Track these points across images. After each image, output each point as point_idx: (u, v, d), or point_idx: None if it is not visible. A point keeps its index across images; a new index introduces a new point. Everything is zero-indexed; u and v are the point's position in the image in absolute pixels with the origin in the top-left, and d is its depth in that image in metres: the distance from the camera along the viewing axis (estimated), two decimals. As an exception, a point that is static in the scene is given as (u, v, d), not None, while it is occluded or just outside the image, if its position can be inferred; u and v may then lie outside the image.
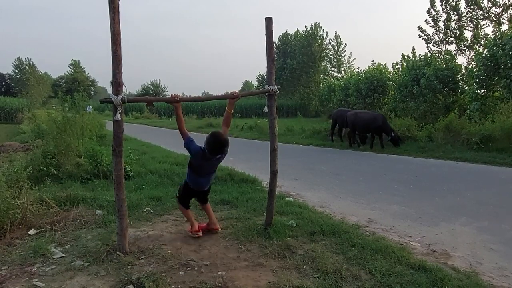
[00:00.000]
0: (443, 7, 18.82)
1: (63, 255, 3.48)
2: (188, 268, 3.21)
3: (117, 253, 3.43)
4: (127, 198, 5.10)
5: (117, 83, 3.19)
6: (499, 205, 5.28)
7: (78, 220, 4.42)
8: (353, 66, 36.88)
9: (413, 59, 16.06)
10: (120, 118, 3.22)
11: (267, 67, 3.84)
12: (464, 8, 18.15)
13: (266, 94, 3.88)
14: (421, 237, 4.13)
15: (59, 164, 6.78)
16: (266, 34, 3.74)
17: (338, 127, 13.79)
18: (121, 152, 3.36)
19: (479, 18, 17.91)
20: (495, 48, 11.44)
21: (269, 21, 3.73)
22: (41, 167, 6.40)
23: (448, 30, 18.87)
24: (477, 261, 3.47)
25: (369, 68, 18.14)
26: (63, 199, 5.03)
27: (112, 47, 3.12)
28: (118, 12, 3.10)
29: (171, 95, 3.65)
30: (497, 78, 11.62)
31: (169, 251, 3.55)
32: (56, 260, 3.38)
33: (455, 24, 18.64)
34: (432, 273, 3.04)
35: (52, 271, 3.17)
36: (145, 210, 4.83)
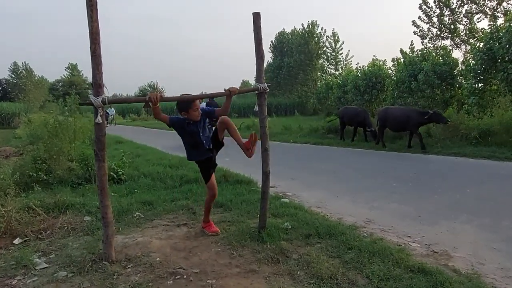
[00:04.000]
0: (436, 2, 18.70)
1: (47, 265, 3.33)
2: (177, 277, 3.06)
3: (103, 262, 3.28)
4: (117, 202, 5.02)
5: (97, 84, 3.04)
6: (500, 201, 5.14)
7: (66, 228, 4.26)
8: (351, 63, 36.76)
9: (411, 54, 15.91)
10: (101, 121, 3.07)
11: (256, 64, 3.68)
12: (456, 2, 18.04)
13: (256, 92, 3.73)
14: (420, 237, 3.98)
15: (49, 169, 6.63)
16: (254, 30, 3.59)
17: (344, 125, 13.40)
18: (103, 156, 3.21)
19: (473, 12, 17.78)
20: (491, 41, 11.28)
21: (256, 16, 3.57)
22: (31, 173, 6.24)
23: (442, 25, 18.74)
24: (479, 262, 3.32)
25: (368, 64, 17.98)
26: (51, 206, 4.86)
27: (90, 46, 2.97)
28: (96, 10, 2.94)
29: (150, 94, 3.39)
30: (494, 71, 11.46)
31: (158, 259, 3.39)
32: (38, 271, 3.23)
33: (449, 19, 18.52)
34: (432, 276, 2.89)
35: (34, 283, 3.02)
36: (135, 215, 4.67)
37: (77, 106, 9.65)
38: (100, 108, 3.04)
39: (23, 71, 56.29)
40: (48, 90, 58.08)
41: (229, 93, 3.58)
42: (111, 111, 31.30)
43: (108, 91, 3.17)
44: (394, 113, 10.63)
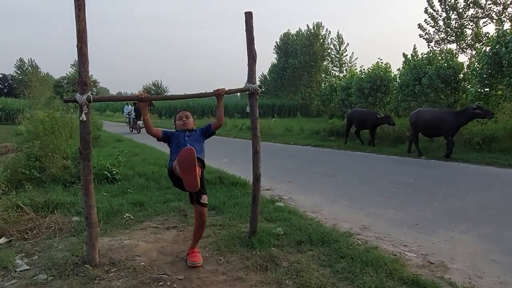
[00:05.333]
0: (442, 6, 18.48)
1: (27, 267, 3.22)
2: (160, 283, 2.94)
3: (85, 265, 3.17)
4: (108, 203, 4.91)
5: (82, 82, 2.95)
6: (502, 209, 4.98)
7: (53, 228, 4.15)
8: (355, 66, 36.57)
9: (415, 58, 15.75)
10: (85, 119, 2.97)
11: (247, 64, 3.56)
12: (463, 7, 17.83)
13: (247, 93, 3.61)
14: (417, 246, 3.84)
15: (43, 166, 6.53)
16: (246, 30, 3.47)
17: (350, 128, 12.86)
18: (89, 156, 3.10)
19: (479, 16, 17.57)
20: (498, 46, 11.12)
21: (248, 15, 3.45)
22: (23, 170, 6.14)
23: (448, 29, 18.53)
24: (477, 275, 3.18)
25: (373, 66, 17.83)
26: (41, 205, 4.75)
27: (77, 45, 2.90)
28: (84, 9, 2.88)
29: (139, 93, 3.32)
30: (500, 76, 11.30)
31: (142, 263, 3.28)
32: (18, 273, 3.12)
33: (455, 23, 18.31)
34: (426, 289, 2.76)
35: (12, 286, 2.91)
36: (125, 216, 4.56)
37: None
38: (85, 106, 2.93)
39: (29, 68, 56.51)
40: (53, 86, 58.27)
41: (217, 93, 3.44)
42: (128, 109, 24.27)
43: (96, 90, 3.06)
44: (426, 116, 9.60)
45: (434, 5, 18.89)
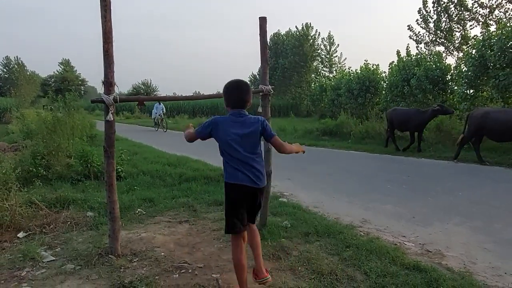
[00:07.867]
0: (435, 8, 18.89)
1: (53, 258, 3.41)
2: (182, 271, 3.16)
3: (109, 256, 3.38)
4: (119, 199, 5.07)
5: (108, 83, 3.13)
6: (491, 204, 5.31)
7: (69, 222, 4.33)
8: (345, 66, 37.04)
9: (404, 59, 16.12)
10: (112, 119, 3.16)
11: (261, 67, 3.81)
12: (452, 10, 18.28)
13: (260, 94, 3.85)
14: (415, 237, 4.13)
15: (48, 165, 6.67)
16: (260, 34, 3.70)
17: (393, 130, 11.32)
18: (113, 153, 3.30)
19: (466, 19, 18.04)
20: (483, 49, 11.54)
21: (263, 20, 3.69)
22: (30, 168, 6.28)
23: (438, 31, 18.97)
24: (471, 261, 3.48)
25: (362, 68, 18.19)
26: (53, 201, 4.93)
27: (103, 46, 3.06)
28: (110, 10, 3.04)
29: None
30: (485, 78, 11.72)
31: (162, 254, 3.50)
32: (46, 264, 3.31)
33: (445, 25, 18.75)
34: (427, 273, 3.03)
35: (42, 275, 3.10)
36: (137, 211, 4.77)
37: (75, 102, 9.65)
38: (111, 106, 3.13)
39: (15, 66, 55.74)
40: (40, 85, 57.56)
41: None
42: (159, 108, 20.77)
43: (119, 89, 3.26)
44: (502, 117, 8.11)
45: (428, 6, 19.24)
